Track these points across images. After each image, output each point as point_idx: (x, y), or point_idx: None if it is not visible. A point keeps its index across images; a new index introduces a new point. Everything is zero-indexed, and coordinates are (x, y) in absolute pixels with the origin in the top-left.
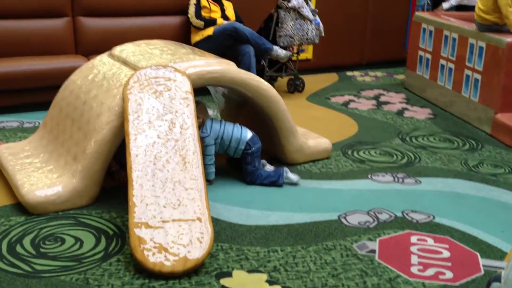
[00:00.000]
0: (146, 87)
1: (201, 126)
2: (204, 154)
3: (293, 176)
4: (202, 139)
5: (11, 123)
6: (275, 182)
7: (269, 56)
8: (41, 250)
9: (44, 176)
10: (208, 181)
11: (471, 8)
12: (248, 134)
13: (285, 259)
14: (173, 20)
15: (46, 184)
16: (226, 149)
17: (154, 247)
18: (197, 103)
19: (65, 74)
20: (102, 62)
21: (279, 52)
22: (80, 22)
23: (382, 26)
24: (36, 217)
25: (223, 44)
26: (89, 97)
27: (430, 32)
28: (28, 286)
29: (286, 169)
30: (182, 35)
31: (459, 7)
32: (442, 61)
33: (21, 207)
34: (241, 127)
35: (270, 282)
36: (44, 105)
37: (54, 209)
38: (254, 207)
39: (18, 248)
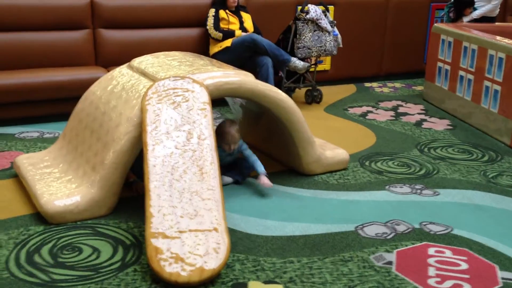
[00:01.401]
0: (164, 98)
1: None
2: (247, 156)
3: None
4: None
5: (32, 134)
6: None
7: (287, 68)
8: (59, 259)
9: (63, 186)
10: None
11: (491, 19)
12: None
13: (301, 270)
14: (192, 32)
15: (65, 194)
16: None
17: (171, 257)
18: (232, 123)
19: (85, 85)
20: (121, 74)
21: (297, 63)
22: (100, 34)
23: (401, 37)
24: (54, 227)
25: (242, 56)
26: (108, 107)
27: (449, 43)
28: None
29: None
30: (201, 47)
31: (479, 19)
32: (461, 72)
33: (40, 217)
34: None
35: None
36: (64, 116)
37: (72, 219)
38: (270, 218)
39: (36, 258)
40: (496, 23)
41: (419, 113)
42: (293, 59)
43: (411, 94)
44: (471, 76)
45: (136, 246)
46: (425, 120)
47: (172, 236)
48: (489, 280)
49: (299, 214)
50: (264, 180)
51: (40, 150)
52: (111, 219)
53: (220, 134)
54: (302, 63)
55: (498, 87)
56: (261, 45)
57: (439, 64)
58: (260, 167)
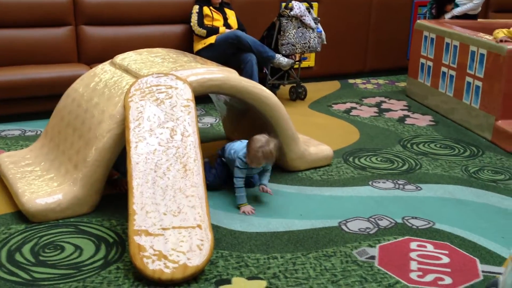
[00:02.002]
0: (148, 94)
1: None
2: (238, 178)
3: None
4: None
5: (13, 132)
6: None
7: (271, 64)
8: (41, 258)
9: (45, 184)
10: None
11: (474, 17)
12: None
13: (285, 266)
14: (176, 29)
15: (46, 192)
16: None
17: (154, 255)
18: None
19: (68, 82)
20: (103, 70)
21: (281, 60)
22: (82, 31)
23: (384, 34)
24: (36, 225)
25: (226, 52)
26: (90, 105)
27: (432, 39)
28: None
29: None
30: (185, 44)
31: (461, 17)
32: (444, 69)
33: (21, 215)
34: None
35: None
36: (46, 114)
37: (54, 217)
38: (254, 215)
39: (18, 257)
40: (478, 20)
41: (402, 109)
42: (278, 55)
43: (395, 90)
44: (453, 72)
45: (119, 244)
46: (408, 116)
47: (155, 233)
48: (470, 274)
49: (283, 210)
50: (266, 189)
51: (22, 148)
52: (94, 217)
53: (260, 153)
54: (286, 59)
55: (480, 83)
56: (245, 42)
57: (422, 60)
58: (267, 179)
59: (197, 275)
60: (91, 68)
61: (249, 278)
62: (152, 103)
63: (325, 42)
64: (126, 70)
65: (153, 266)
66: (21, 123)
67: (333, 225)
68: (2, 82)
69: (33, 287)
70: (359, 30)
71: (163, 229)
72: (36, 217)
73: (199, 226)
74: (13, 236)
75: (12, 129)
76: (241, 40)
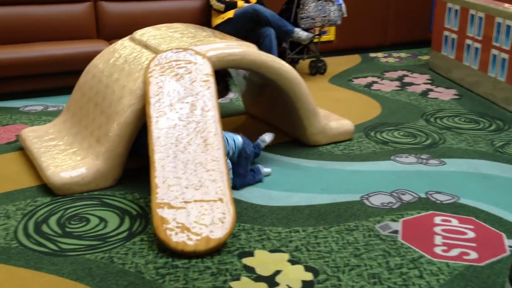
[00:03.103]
0: (167, 70)
1: None
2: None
3: (266, 169)
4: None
5: (36, 107)
6: (259, 179)
7: (290, 39)
8: (67, 229)
9: (68, 158)
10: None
11: None
12: (239, 139)
13: (307, 239)
14: (194, 4)
15: (70, 166)
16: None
17: (177, 227)
18: None
19: (87, 58)
20: (123, 46)
21: (301, 34)
22: (101, 6)
23: (406, 6)
24: (61, 198)
25: (244, 27)
26: (111, 80)
27: (456, 11)
28: (55, 264)
29: (259, 166)
30: (203, 19)
31: None
32: (468, 41)
33: (46, 188)
34: (232, 134)
35: (292, 261)
36: (67, 89)
37: (78, 190)
38: (275, 189)
39: (44, 228)
40: None
41: (425, 83)
42: (297, 29)
43: (417, 64)
44: (478, 45)
45: (142, 217)
46: (431, 90)
47: (177, 206)
48: (496, 248)
49: (304, 184)
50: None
51: (45, 123)
52: (117, 190)
53: None
54: (305, 33)
55: (506, 56)
56: (264, 16)
57: (446, 33)
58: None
59: (220, 248)
60: (110, 44)
61: (271, 251)
62: (172, 78)
63: (345, 15)
64: (146, 46)
65: (176, 238)
66: (43, 99)
67: (355, 200)
68: (23, 58)
69: (61, 257)
70: (380, 1)
71: (185, 202)
72: (61, 190)
73: (220, 199)
74: (40, 208)
75: (35, 105)
76: (259, 14)
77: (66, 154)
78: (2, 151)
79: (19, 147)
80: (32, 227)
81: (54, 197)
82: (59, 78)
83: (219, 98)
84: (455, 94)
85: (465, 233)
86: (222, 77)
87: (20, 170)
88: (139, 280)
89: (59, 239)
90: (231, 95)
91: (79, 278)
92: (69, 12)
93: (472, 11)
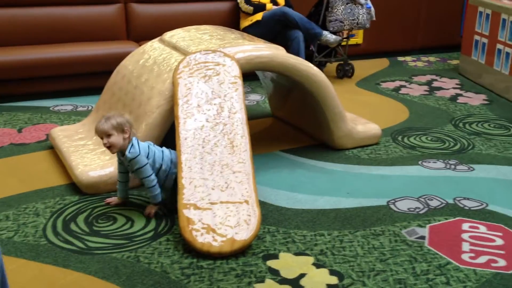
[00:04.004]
0: (196, 71)
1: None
2: (143, 178)
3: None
4: (130, 162)
5: (66, 107)
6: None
7: (318, 41)
8: (94, 228)
9: (97, 157)
10: (156, 205)
11: None
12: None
13: (332, 243)
14: (223, 6)
15: (99, 165)
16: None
17: (203, 228)
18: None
19: (117, 59)
20: (152, 48)
21: (329, 37)
22: (131, 8)
23: (436, 10)
24: (89, 197)
25: (272, 29)
26: (140, 81)
27: (487, 15)
28: (82, 262)
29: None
30: (232, 21)
31: None
32: (499, 46)
33: (75, 187)
34: (167, 149)
35: (316, 265)
36: (97, 90)
37: (106, 189)
38: (301, 192)
39: (73, 226)
40: None
41: (454, 88)
42: (325, 32)
43: (446, 68)
44: (509, 50)
45: (168, 217)
46: (460, 95)
47: (203, 207)
48: None
49: (330, 188)
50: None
51: (74, 123)
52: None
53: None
54: (333, 37)
55: None
56: (292, 18)
57: (476, 37)
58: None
59: (245, 249)
60: (140, 45)
61: (296, 254)
62: (200, 79)
63: (374, 19)
64: (175, 47)
65: (202, 239)
66: (73, 99)
67: (381, 204)
68: (54, 58)
69: (88, 255)
70: (410, 5)
71: (211, 203)
72: (89, 189)
73: (246, 201)
74: (68, 207)
75: (65, 105)
76: (288, 17)
77: (95, 154)
78: (32, 150)
79: (49, 146)
80: (60, 225)
81: (82, 195)
82: (89, 79)
83: None
84: (484, 100)
85: (493, 240)
86: None
87: (49, 168)
88: (165, 280)
89: (86, 237)
90: (257, 97)
91: (106, 276)
92: (99, 14)
93: (504, 15)
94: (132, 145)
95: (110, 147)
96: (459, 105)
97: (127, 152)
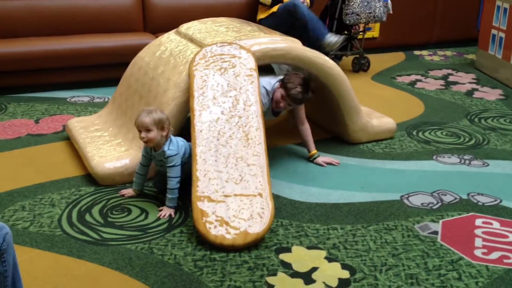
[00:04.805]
0: (212, 63)
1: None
2: (171, 177)
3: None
4: (167, 158)
5: (82, 98)
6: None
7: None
8: (109, 219)
9: (113, 149)
10: (171, 208)
11: None
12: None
13: (345, 237)
14: None
15: (114, 156)
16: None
17: (216, 220)
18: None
19: (134, 51)
20: (169, 39)
21: (332, 39)
22: (148, 0)
23: (453, 4)
24: (104, 188)
25: (285, 21)
26: (156, 73)
27: (505, 9)
28: (96, 253)
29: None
30: (248, 13)
31: None
32: None
33: (90, 178)
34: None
35: (329, 259)
36: (113, 81)
37: (121, 181)
38: (315, 185)
39: (88, 217)
40: None
41: (470, 82)
42: (328, 35)
43: (463, 62)
44: None
45: (182, 209)
46: (476, 90)
47: (217, 200)
48: None
49: (344, 182)
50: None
51: (91, 114)
52: (151, 182)
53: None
54: (336, 38)
55: None
56: (301, 11)
57: (493, 31)
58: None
59: (258, 242)
60: (156, 37)
61: (308, 248)
62: (216, 72)
63: (391, 12)
64: (191, 39)
65: (215, 231)
66: (90, 90)
67: (395, 199)
68: (71, 50)
69: (102, 246)
70: (427, 0)
71: (225, 196)
72: (105, 180)
73: (260, 194)
74: (83, 198)
75: (81, 96)
76: (297, 9)
77: (111, 145)
78: (49, 141)
79: (66, 137)
80: (75, 216)
81: (98, 187)
82: (106, 70)
83: None
84: (501, 95)
85: (506, 236)
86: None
87: (66, 159)
88: (178, 271)
89: (101, 228)
90: None
91: (120, 267)
92: (116, 5)
93: None
94: (171, 142)
95: (147, 141)
96: (475, 100)
97: (166, 148)
